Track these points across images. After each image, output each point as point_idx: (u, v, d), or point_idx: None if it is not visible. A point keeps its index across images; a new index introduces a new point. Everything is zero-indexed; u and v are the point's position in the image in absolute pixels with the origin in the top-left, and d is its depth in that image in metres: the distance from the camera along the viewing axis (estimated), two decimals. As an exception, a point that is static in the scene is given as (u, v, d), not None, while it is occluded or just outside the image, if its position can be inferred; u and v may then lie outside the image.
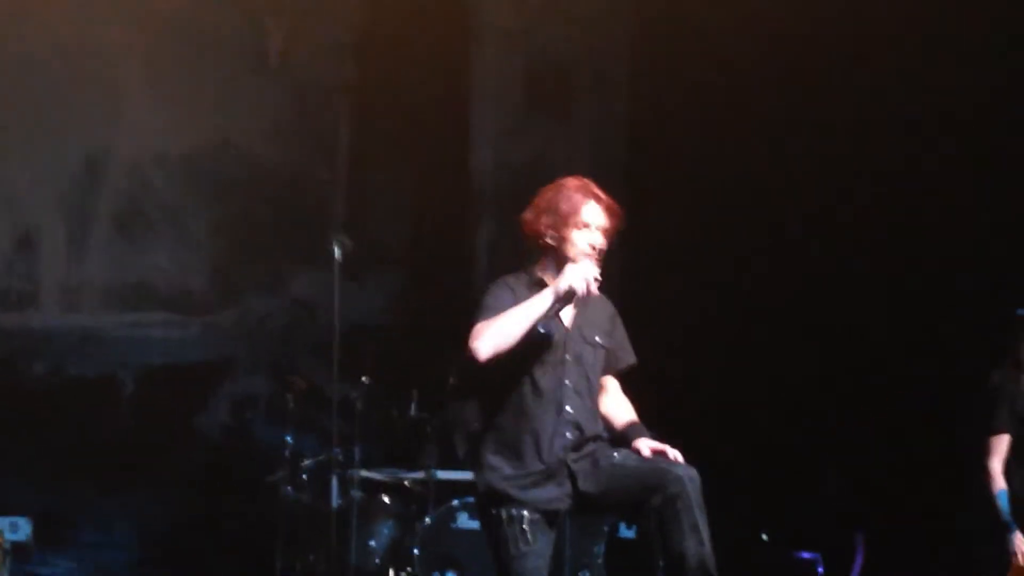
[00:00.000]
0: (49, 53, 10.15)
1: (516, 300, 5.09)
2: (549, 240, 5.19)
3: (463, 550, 8.10)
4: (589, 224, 5.16)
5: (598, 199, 5.22)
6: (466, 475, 8.53)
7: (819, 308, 9.32)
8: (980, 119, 8.64)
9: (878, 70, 9.12)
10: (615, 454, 5.13)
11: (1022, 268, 8.17)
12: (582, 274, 5.04)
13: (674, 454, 5.09)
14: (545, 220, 5.18)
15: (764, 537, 9.23)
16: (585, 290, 5.01)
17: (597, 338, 5.25)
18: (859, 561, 8.87)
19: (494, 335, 4.96)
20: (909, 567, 8.63)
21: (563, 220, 5.15)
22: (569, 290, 5.00)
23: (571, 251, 5.14)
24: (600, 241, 5.17)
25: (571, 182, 5.27)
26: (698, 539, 4.89)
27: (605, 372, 5.33)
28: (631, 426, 5.28)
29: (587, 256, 5.13)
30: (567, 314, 5.17)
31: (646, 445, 5.13)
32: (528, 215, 5.26)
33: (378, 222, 10.72)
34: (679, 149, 9.83)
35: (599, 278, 5.08)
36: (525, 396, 5.07)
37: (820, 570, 8.98)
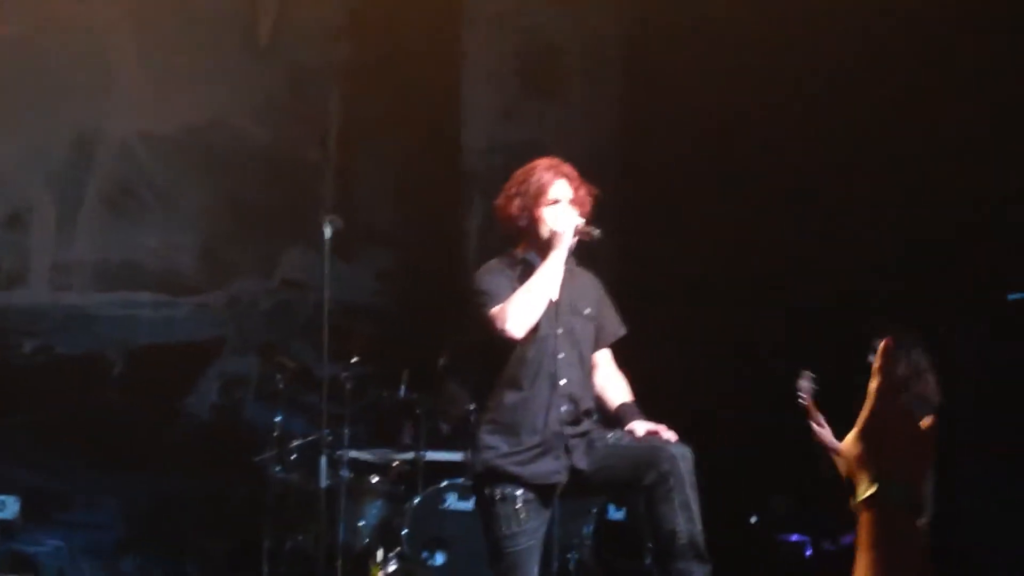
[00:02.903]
0: (39, 30, 10.10)
1: (511, 281, 5.11)
2: (523, 222, 5.22)
3: (452, 531, 8.11)
4: (559, 200, 5.19)
5: (566, 176, 5.25)
6: (455, 456, 8.57)
7: (811, 287, 9.32)
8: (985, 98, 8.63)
9: (876, 45, 9.09)
10: (609, 435, 5.15)
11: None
12: (564, 219, 5.10)
13: (668, 434, 5.10)
14: (517, 203, 5.22)
15: (752, 520, 9.25)
16: (572, 232, 5.08)
17: (586, 310, 5.27)
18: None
19: (521, 312, 5.00)
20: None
21: (533, 200, 5.19)
22: (557, 235, 5.06)
23: (545, 229, 5.17)
24: (573, 215, 5.19)
25: (539, 163, 5.31)
26: (689, 517, 4.90)
27: (597, 346, 5.35)
28: (625, 406, 5.30)
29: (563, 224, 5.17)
30: (554, 289, 5.18)
31: (641, 427, 5.14)
32: (500, 201, 5.30)
33: (369, 203, 10.71)
34: (673, 129, 9.82)
35: (586, 226, 5.13)
36: (518, 372, 5.09)
37: (808, 552, 8.99)
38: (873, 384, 1.76)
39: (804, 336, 9.22)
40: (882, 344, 1.78)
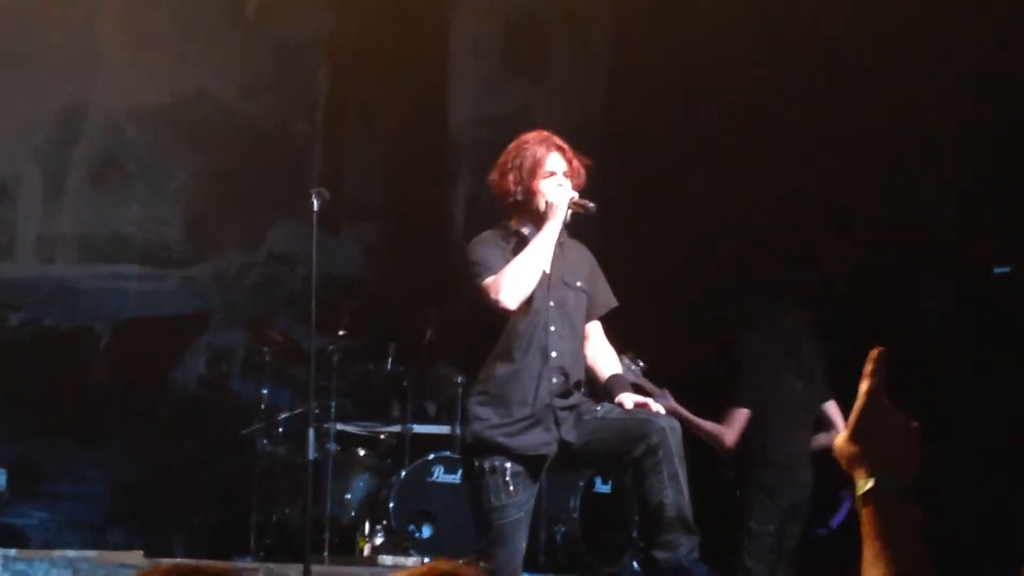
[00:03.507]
0: (25, 3, 10.06)
1: (505, 252, 5.13)
2: (518, 196, 5.23)
3: (438, 504, 8.13)
4: (555, 172, 5.21)
5: (560, 148, 5.26)
6: (442, 429, 8.59)
7: (800, 261, 9.31)
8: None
9: (870, 20, 9.07)
10: (598, 408, 5.18)
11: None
12: (560, 192, 5.12)
13: (656, 407, 5.13)
14: (512, 177, 5.22)
15: (738, 493, 9.28)
16: (567, 204, 5.10)
17: (578, 283, 5.29)
18: (843, 512, 8.94)
19: (515, 283, 5.01)
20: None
21: (529, 173, 5.20)
22: (552, 207, 5.08)
23: (540, 202, 5.18)
24: (567, 187, 5.21)
25: (530, 136, 5.32)
26: (677, 488, 4.92)
27: (588, 318, 5.36)
28: (614, 378, 5.32)
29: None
30: (548, 262, 5.20)
31: (629, 399, 5.17)
32: (494, 176, 5.31)
33: (356, 176, 10.71)
34: (659, 103, 9.81)
35: (581, 200, 5.16)
36: (510, 344, 5.10)
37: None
38: (864, 386, 1.82)
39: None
40: (875, 352, 1.85)
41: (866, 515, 2.08)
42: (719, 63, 9.55)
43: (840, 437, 2.14)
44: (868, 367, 2.14)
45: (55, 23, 10.12)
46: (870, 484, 2.08)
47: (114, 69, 10.28)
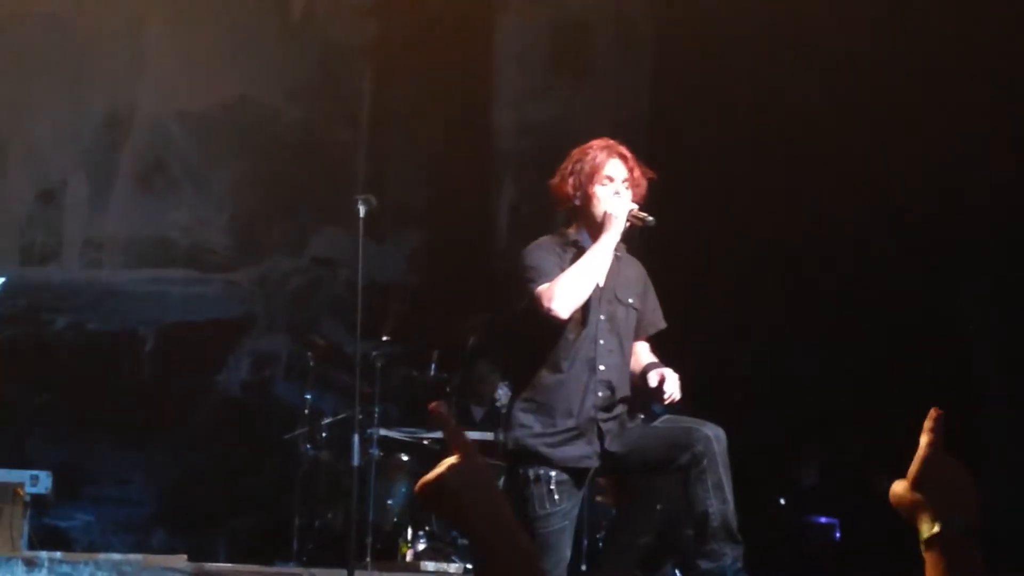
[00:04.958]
0: (72, 8, 10.13)
1: (561, 260, 5.10)
2: (576, 201, 5.20)
3: (481, 510, 8.09)
4: (613, 179, 5.18)
5: (622, 156, 5.23)
6: (485, 436, 8.57)
7: (842, 271, 9.29)
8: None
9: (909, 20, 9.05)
10: (643, 417, 5.16)
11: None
12: (619, 202, 5.09)
13: (673, 378, 5.08)
14: (571, 182, 5.21)
15: (782, 501, 9.26)
16: (626, 216, 5.07)
17: (630, 299, 5.26)
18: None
19: (569, 292, 4.98)
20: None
21: (588, 179, 5.18)
22: (610, 217, 5.04)
23: (598, 208, 5.16)
24: (627, 195, 5.17)
25: (595, 143, 5.30)
26: (721, 498, 4.89)
27: (636, 336, 5.33)
28: (648, 364, 5.28)
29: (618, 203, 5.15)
30: (602, 274, 5.17)
31: (655, 373, 5.12)
32: (555, 180, 5.29)
33: (400, 182, 10.71)
34: (703, 109, 9.79)
35: (639, 213, 5.12)
36: (558, 355, 5.08)
37: (837, 535, 9.00)
38: (924, 440, 1.85)
39: (836, 320, 9.21)
40: (935, 412, 1.89)
41: (931, 560, 2.11)
42: (764, 65, 9.52)
43: (898, 486, 2.18)
44: (928, 424, 2.17)
45: (102, 28, 10.19)
46: (936, 528, 2.11)
47: (160, 74, 10.34)
